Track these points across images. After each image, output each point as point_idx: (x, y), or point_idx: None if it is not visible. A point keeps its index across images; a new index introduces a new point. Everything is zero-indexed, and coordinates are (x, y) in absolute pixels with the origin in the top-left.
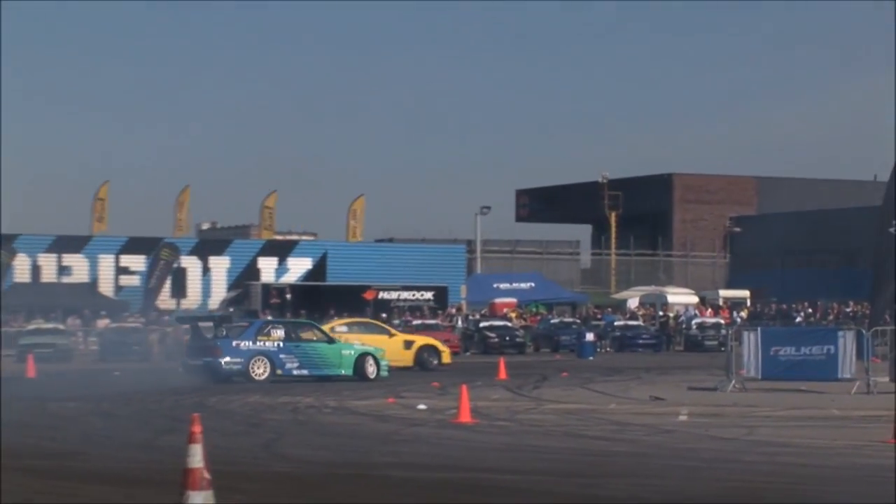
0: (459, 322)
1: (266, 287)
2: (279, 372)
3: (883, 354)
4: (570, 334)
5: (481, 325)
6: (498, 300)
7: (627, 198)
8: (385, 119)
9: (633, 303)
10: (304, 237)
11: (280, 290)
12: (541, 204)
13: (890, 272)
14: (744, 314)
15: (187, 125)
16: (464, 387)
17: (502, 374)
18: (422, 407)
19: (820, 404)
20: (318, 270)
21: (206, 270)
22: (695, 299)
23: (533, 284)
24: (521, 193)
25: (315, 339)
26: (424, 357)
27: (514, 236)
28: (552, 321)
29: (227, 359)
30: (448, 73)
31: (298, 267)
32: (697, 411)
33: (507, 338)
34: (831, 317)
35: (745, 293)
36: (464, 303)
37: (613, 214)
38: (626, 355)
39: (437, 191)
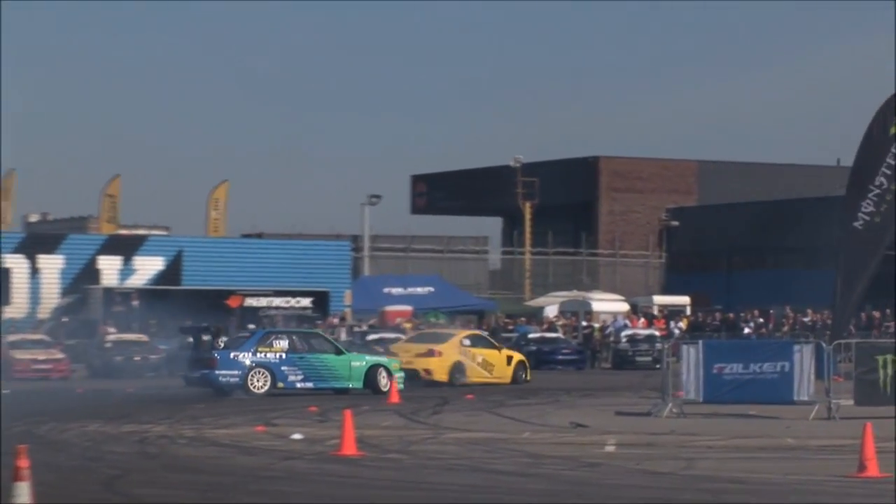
0: (343, 334)
1: (108, 292)
2: (280, 385)
3: (846, 372)
4: None
5: (369, 337)
6: (390, 308)
7: (545, 185)
8: (254, 92)
9: (551, 311)
10: (154, 231)
11: (125, 295)
12: (441, 192)
13: (856, 274)
14: (683, 325)
15: (10, 97)
16: (347, 412)
17: (394, 397)
18: (297, 437)
19: (772, 432)
20: (171, 272)
21: (34, 272)
22: (625, 307)
23: (432, 289)
24: (417, 180)
25: (322, 349)
26: (518, 373)
27: (409, 231)
28: None
29: (224, 371)
30: (327, 35)
31: (148, 267)
32: (627, 441)
33: None
34: (786, 328)
35: (685, 300)
36: (348, 311)
37: (528, 205)
38: (543, 374)
39: (315, 176)
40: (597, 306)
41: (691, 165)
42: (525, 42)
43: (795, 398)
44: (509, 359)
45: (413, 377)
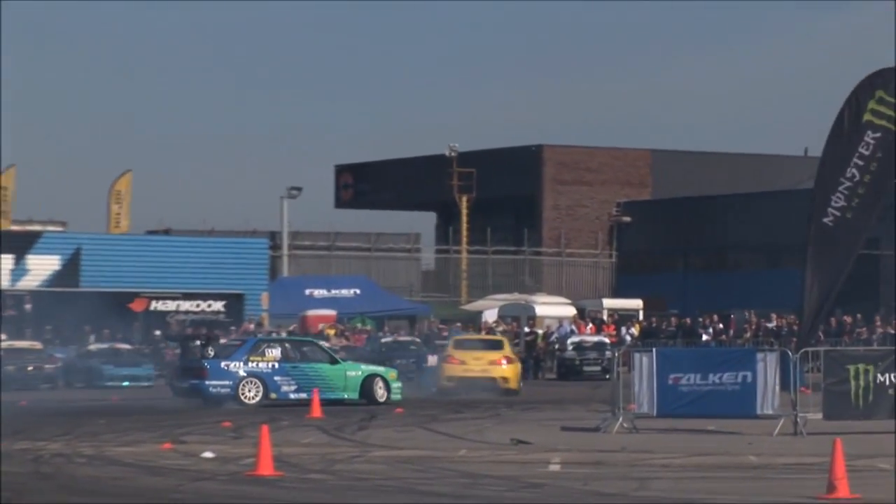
0: None
1: None
2: (273, 395)
3: (814, 383)
4: (407, 357)
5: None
6: (311, 312)
7: (483, 177)
8: (159, 73)
9: (490, 315)
10: (50, 227)
11: (17, 298)
12: (369, 184)
13: (826, 275)
14: (635, 331)
15: None
16: (264, 428)
17: (316, 411)
18: (208, 455)
19: (733, 449)
20: (68, 272)
21: None
22: (571, 311)
23: (358, 291)
24: (342, 170)
25: (316, 358)
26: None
27: (333, 227)
28: (383, 340)
29: (215, 382)
30: (240, 10)
31: (42, 267)
32: (573, 459)
33: None
34: (748, 334)
35: (637, 303)
36: (265, 316)
37: (464, 199)
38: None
39: (229, 166)
40: (540, 310)
41: (644, 155)
42: (460, 18)
43: (759, 412)
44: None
45: (488, 387)
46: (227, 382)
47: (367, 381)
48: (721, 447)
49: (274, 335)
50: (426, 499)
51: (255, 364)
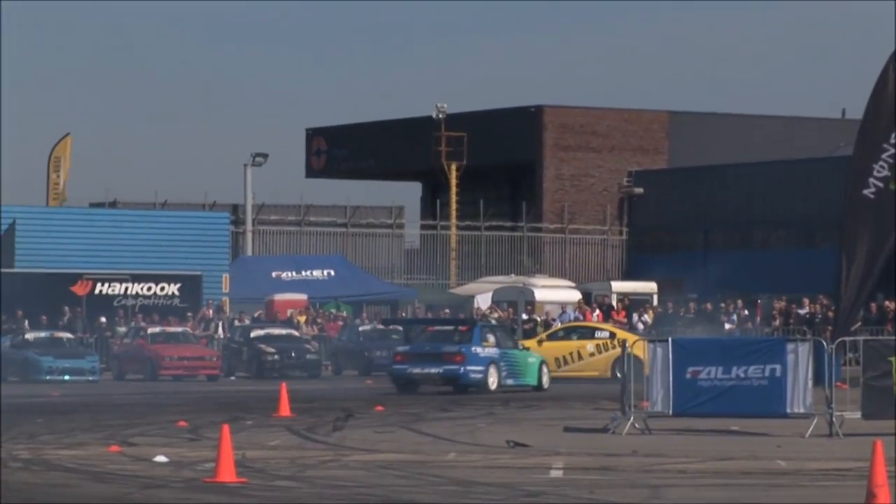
0: (220, 330)
1: None
2: (506, 382)
3: (852, 377)
4: (389, 348)
5: (253, 334)
6: (279, 297)
7: (475, 142)
8: (103, 22)
9: (483, 301)
10: None
11: None
12: (345, 150)
13: (866, 255)
14: (648, 318)
15: None
16: (225, 428)
17: (284, 409)
18: (161, 459)
19: (760, 452)
20: (1, 250)
21: None
22: (576, 296)
23: (332, 273)
24: (314, 134)
25: (512, 344)
26: None
27: (304, 199)
28: (361, 328)
29: (472, 367)
30: None
31: None
32: (578, 463)
33: (293, 354)
34: (777, 321)
35: (651, 286)
36: (226, 300)
37: (454, 167)
38: None
39: (184, 130)
40: (541, 295)
41: (660, 117)
42: None
43: (789, 410)
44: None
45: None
46: (480, 368)
47: (539, 368)
48: (746, 450)
49: (236, 323)
50: None
51: (487, 350)
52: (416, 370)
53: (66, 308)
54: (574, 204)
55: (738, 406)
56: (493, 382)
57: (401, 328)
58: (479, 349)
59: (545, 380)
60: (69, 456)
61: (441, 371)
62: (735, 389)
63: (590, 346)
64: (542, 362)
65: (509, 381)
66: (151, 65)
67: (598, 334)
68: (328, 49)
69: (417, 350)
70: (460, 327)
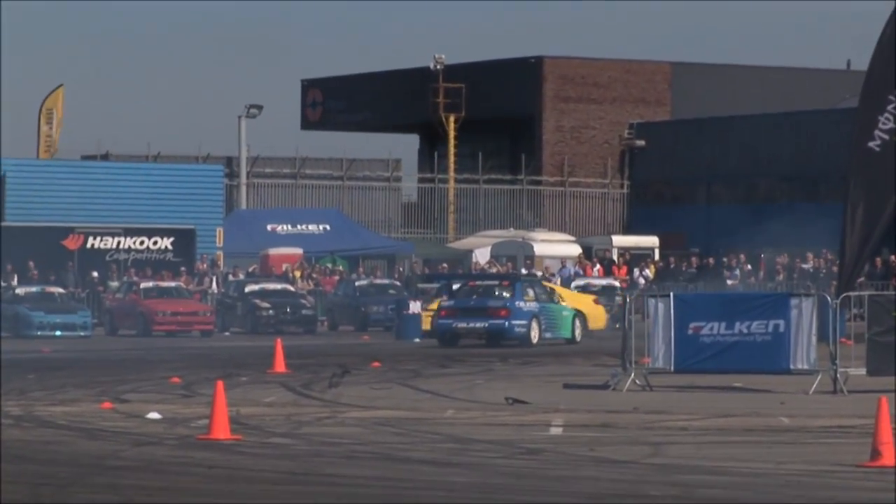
0: (214, 285)
1: None
2: (546, 335)
3: (857, 333)
4: (386, 304)
5: (248, 289)
6: (274, 251)
7: (474, 94)
8: None
9: (481, 255)
10: None
11: None
12: (341, 102)
13: (872, 209)
14: (649, 273)
15: None
16: (219, 384)
17: (280, 366)
18: (154, 416)
19: (763, 409)
20: None
21: None
22: (576, 250)
23: (328, 227)
24: (310, 86)
25: (544, 299)
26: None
27: (299, 152)
28: (358, 283)
29: (517, 321)
30: None
31: None
32: (578, 420)
33: (289, 309)
34: (780, 276)
35: (653, 241)
36: (220, 255)
37: (452, 119)
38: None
39: (177, 81)
40: (540, 249)
41: (663, 69)
42: None
43: (792, 366)
44: None
45: None
46: (523, 322)
47: (573, 321)
48: (749, 407)
49: (230, 277)
50: (406, 466)
51: (528, 304)
52: (461, 324)
53: (70, 264)
54: (574, 157)
55: (740, 362)
56: (534, 336)
57: (398, 283)
58: (521, 304)
59: (577, 333)
60: (61, 412)
61: (486, 325)
62: (738, 345)
63: None
64: (576, 315)
65: (547, 335)
66: (144, 14)
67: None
68: None
69: (462, 305)
70: (502, 282)
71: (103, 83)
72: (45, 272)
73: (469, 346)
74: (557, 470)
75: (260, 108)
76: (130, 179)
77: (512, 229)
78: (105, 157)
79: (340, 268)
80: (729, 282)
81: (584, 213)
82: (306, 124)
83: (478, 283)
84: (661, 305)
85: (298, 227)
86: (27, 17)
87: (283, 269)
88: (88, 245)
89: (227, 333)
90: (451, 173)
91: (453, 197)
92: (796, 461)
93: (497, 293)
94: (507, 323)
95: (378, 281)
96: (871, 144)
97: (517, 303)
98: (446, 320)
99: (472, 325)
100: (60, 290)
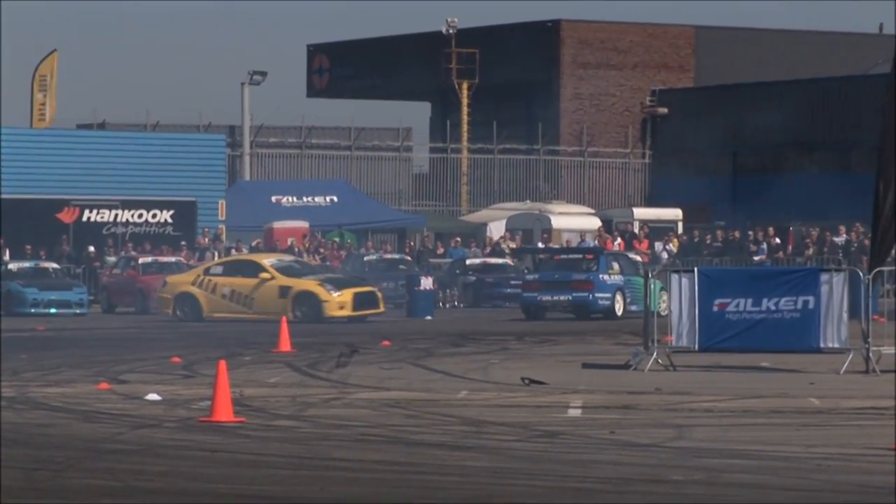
0: (216, 259)
1: None
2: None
3: (890, 310)
4: (396, 279)
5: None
6: (278, 224)
7: (488, 59)
8: None
9: (496, 229)
10: None
11: None
12: (349, 69)
13: None
14: (672, 247)
15: None
16: (221, 364)
17: (285, 345)
18: (153, 397)
19: (791, 390)
20: None
21: None
22: (595, 223)
23: (335, 199)
24: (316, 51)
25: (630, 272)
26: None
27: (305, 121)
28: (366, 258)
29: (601, 294)
30: None
31: None
32: (597, 402)
33: None
34: (810, 250)
35: (676, 213)
36: (223, 228)
37: (465, 86)
38: (486, 313)
39: (177, 46)
40: (558, 222)
41: (687, 32)
42: None
43: (822, 345)
44: (283, 290)
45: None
46: (608, 295)
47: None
48: (776, 388)
49: (233, 252)
50: (418, 450)
51: (613, 277)
52: (546, 297)
53: (65, 238)
54: (593, 125)
55: (768, 340)
56: (619, 308)
57: (409, 259)
58: (606, 277)
59: (663, 307)
60: (56, 394)
61: (570, 298)
62: (765, 323)
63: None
64: (662, 288)
65: (633, 308)
66: None
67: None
68: None
69: (547, 278)
70: (587, 255)
71: (99, 48)
72: (38, 246)
73: (555, 320)
74: (576, 454)
75: (264, 74)
76: (128, 149)
77: (528, 201)
78: (101, 126)
79: (349, 241)
80: (756, 256)
81: (604, 184)
82: (312, 92)
83: (562, 256)
84: (684, 281)
85: (304, 199)
86: None
87: (288, 243)
88: (84, 218)
89: None
90: (465, 143)
91: (466, 168)
92: (827, 444)
93: (583, 266)
94: (591, 296)
95: (388, 256)
96: None
97: (601, 276)
98: (531, 293)
99: (556, 298)
100: (55, 265)
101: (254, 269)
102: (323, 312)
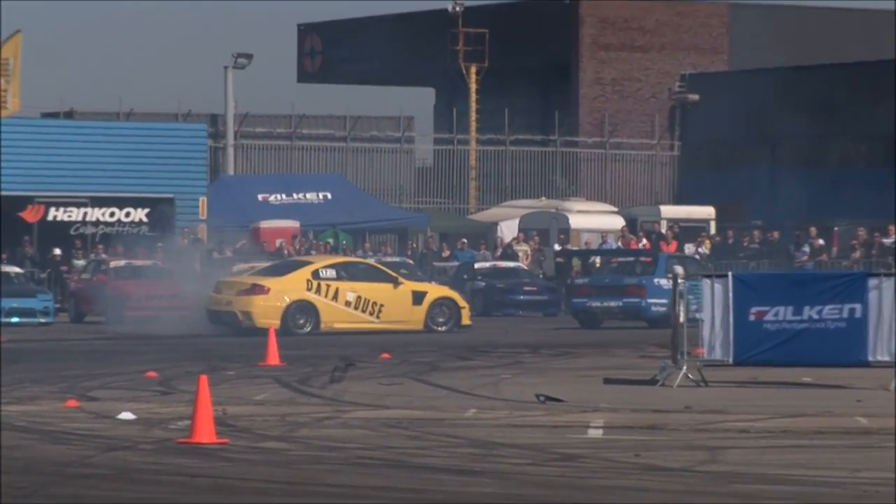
0: (196, 263)
1: None
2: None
3: None
4: None
5: (236, 268)
6: (266, 224)
7: (500, 40)
8: None
9: (508, 229)
10: None
11: None
12: (344, 51)
13: None
14: (705, 249)
15: None
16: (202, 379)
17: (273, 358)
18: (127, 416)
19: (836, 408)
20: None
21: None
22: (619, 222)
23: (329, 195)
24: (307, 31)
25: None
26: (437, 317)
27: (295, 109)
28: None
29: (654, 300)
30: None
31: None
32: (620, 421)
33: None
34: (857, 253)
35: (708, 211)
36: (204, 228)
37: (474, 70)
38: (497, 322)
39: (153, 26)
40: (577, 221)
41: (720, 10)
42: None
43: (870, 358)
44: (417, 295)
45: (230, 322)
46: (663, 301)
47: None
48: (819, 405)
49: (214, 254)
50: (420, 475)
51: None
52: (596, 303)
53: (28, 239)
54: (616, 113)
55: (810, 353)
56: (680, 316)
57: (410, 262)
58: (662, 281)
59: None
60: (19, 412)
61: (621, 304)
62: (807, 333)
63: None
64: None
65: (698, 315)
66: None
67: None
68: None
69: (597, 283)
70: (643, 258)
71: (68, 29)
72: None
73: (611, 328)
74: (597, 479)
75: (249, 57)
76: (99, 141)
77: (543, 199)
78: (69, 115)
79: (344, 243)
80: (797, 259)
81: (628, 179)
82: (304, 76)
83: (619, 259)
84: (717, 287)
85: (294, 195)
86: None
87: (277, 244)
88: (50, 217)
89: None
90: (473, 133)
91: (475, 161)
92: (875, 468)
93: (638, 270)
94: (643, 302)
95: (387, 259)
96: None
97: (656, 280)
98: (581, 299)
99: (606, 303)
100: (17, 269)
101: (373, 272)
102: (461, 321)
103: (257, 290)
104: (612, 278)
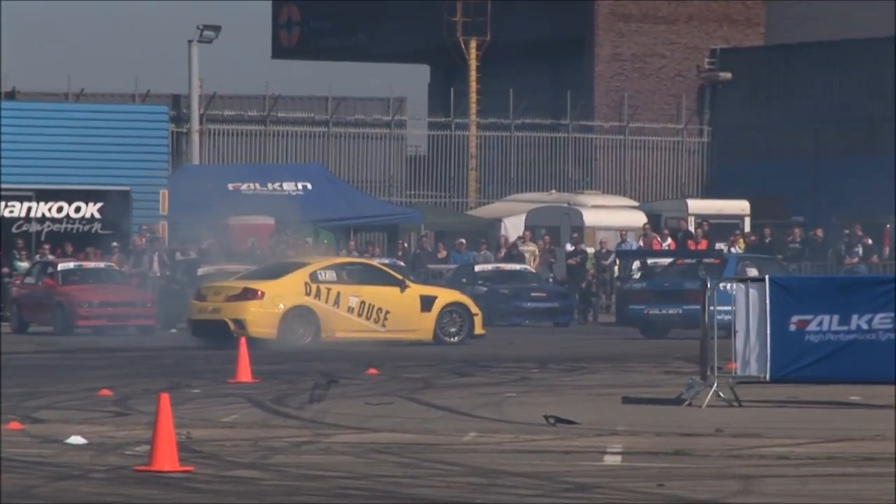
0: (156, 266)
1: None
2: None
3: None
4: None
5: (201, 271)
6: (236, 220)
7: (502, 12)
8: None
9: (513, 226)
10: None
11: None
12: (325, 22)
13: None
14: (738, 248)
15: None
16: (164, 398)
17: (244, 374)
18: (77, 440)
19: (887, 431)
20: None
21: None
22: (639, 218)
23: (309, 186)
24: (284, 1)
25: None
26: (447, 326)
27: (270, 89)
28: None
29: (721, 307)
30: None
31: None
32: (642, 446)
33: None
34: None
35: (742, 206)
36: (164, 225)
37: (474, 45)
38: (501, 333)
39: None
40: (592, 218)
41: None
42: None
43: None
44: (426, 301)
45: (219, 333)
46: (729, 308)
47: None
48: (868, 428)
49: (177, 255)
50: None
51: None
52: (654, 311)
53: None
54: (637, 94)
55: (858, 368)
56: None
57: (401, 264)
58: (728, 286)
59: None
60: None
61: (679, 311)
62: (855, 346)
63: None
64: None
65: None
66: None
67: None
68: None
69: (656, 288)
70: (710, 260)
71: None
72: None
73: (677, 338)
74: None
75: (217, 29)
76: (44, 126)
77: (553, 191)
78: (11, 95)
79: (325, 242)
80: (848, 261)
81: (650, 169)
82: (279, 51)
83: (685, 261)
84: (752, 293)
85: (269, 186)
86: None
87: (249, 243)
88: None
89: (173, 330)
90: (473, 117)
91: (475, 149)
92: None
93: (702, 273)
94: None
95: (377, 260)
96: None
97: (722, 284)
98: (638, 306)
99: (664, 311)
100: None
101: (376, 274)
102: (474, 330)
103: (250, 294)
104: (672, 282)
